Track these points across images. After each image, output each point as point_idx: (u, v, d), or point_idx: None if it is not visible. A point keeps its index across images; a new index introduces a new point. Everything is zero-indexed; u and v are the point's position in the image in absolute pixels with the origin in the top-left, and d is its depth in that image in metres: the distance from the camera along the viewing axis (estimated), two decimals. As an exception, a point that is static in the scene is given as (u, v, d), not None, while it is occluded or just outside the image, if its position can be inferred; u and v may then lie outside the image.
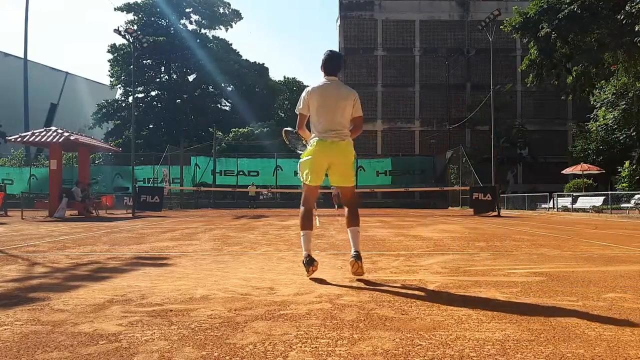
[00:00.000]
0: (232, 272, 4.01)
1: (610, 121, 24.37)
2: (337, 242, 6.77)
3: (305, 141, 3.89)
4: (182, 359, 1.87)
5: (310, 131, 3.87)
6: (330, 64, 3.83)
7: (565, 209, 21.17)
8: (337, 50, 3.99)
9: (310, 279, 3.68)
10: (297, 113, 3.85)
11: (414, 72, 43.76)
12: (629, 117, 23.60)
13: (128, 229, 9.68)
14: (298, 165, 3.87)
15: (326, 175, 3.80)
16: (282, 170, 34.44)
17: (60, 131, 16.91)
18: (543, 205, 23.58)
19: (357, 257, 3.57)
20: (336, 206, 25.58)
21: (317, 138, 3.70)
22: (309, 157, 3.69)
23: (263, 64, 51.47)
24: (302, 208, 3.79)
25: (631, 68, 21.70)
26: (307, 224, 3.73)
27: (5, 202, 18.82)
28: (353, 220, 3.74)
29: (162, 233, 8.55)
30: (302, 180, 3.80)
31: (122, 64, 45.51)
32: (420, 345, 2.03)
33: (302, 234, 3.74)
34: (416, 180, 33.81)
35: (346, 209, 3.82)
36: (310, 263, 3.61)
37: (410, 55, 43.90)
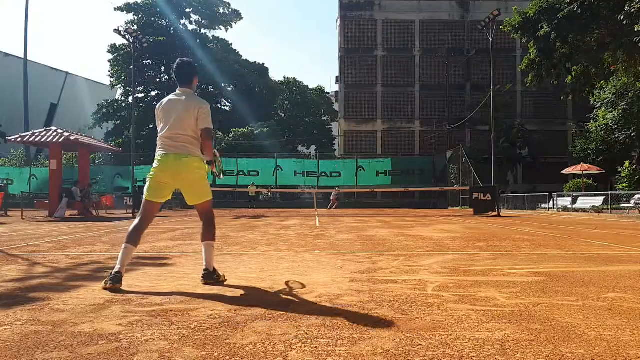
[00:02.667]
0: (232, 272, 4.01)
1: (610, 121, 24.35)
2: (337, 242, 6.78)
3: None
4: (182, 359, 1.87)
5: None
6: (179, 73, 3.68)
7: (565, 209, 21.16)
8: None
9: (310, 279, 3.68)
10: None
11: (414, 72, 43.73)
12: (629, 117, 23.58)
13: (128, 229, 9.66)
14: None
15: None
16: (282, 170, 34.46)
17: (60, 131, 16.90)
18: (543, 205, 23.57)
19: (207, 276, 3.44)
20: (328, 207, 25.84)
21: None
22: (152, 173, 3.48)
23: (263, 64, 51.43)
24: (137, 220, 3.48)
25: (631, 68, 21.67)
26: (133, 237, 3.41)
27: (5, 202, 18.81)
28: (206, 235, 3.54)
29: (162, 233, 8.54)
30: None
31: (122, 64, 45.47)
32: (420, 345, 2.03)
33: (123, 246, 3.37)
34: (416, 180, 33.80)
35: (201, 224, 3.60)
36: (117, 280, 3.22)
37: (410, 55, 43.88)
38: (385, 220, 13.49)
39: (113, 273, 3.25)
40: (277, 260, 4.81)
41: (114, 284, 3.20)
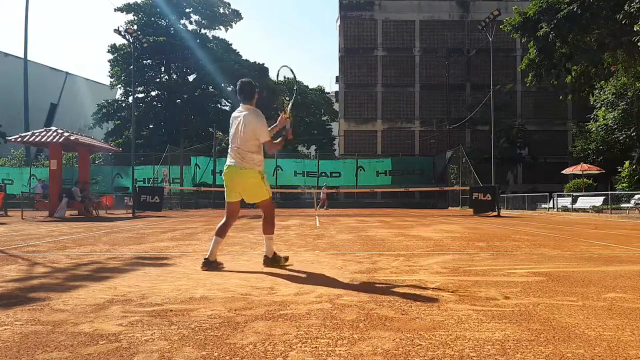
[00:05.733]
0: (232, 272, 4.01)
1: (610, 121, 24.36)
2: (337, 242, 6.78)
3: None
4: (182, 359, 1.87)
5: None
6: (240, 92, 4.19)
7: (565, 209, 21.16)
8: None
9: (310, 279, 3.68)
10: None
11: (414, 72, 43.74)
12: (629, 117, 23.59)
13: (128, 229, 9.68)
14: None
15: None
16: (282, 170, 34.45)
17: (60, 131, 16.89)
18: (543, 205, 23.56)
19: (266, 261, 4.29)
20: (317, 207, 25.83)
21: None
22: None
23: (263, 64, 51.37)
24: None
25: (631, 68, 21.68)
26: (221, 231, 4.23)
27: (5, 202, 18.81)
28: (266, 229, 4.30)
29: (162, 233, 8.54)
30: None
31: (122, 64, 45.42)
32: (420, 345, 2.03)
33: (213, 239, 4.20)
34: (416, 180, 33.78)
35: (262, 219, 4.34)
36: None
37: (410, 55, 43.88)
38: (385, 220, 13.48)
39: (204, 259, 4.12)
40: (277, 260, 4.80)
41: (204, 267, 4.05)
